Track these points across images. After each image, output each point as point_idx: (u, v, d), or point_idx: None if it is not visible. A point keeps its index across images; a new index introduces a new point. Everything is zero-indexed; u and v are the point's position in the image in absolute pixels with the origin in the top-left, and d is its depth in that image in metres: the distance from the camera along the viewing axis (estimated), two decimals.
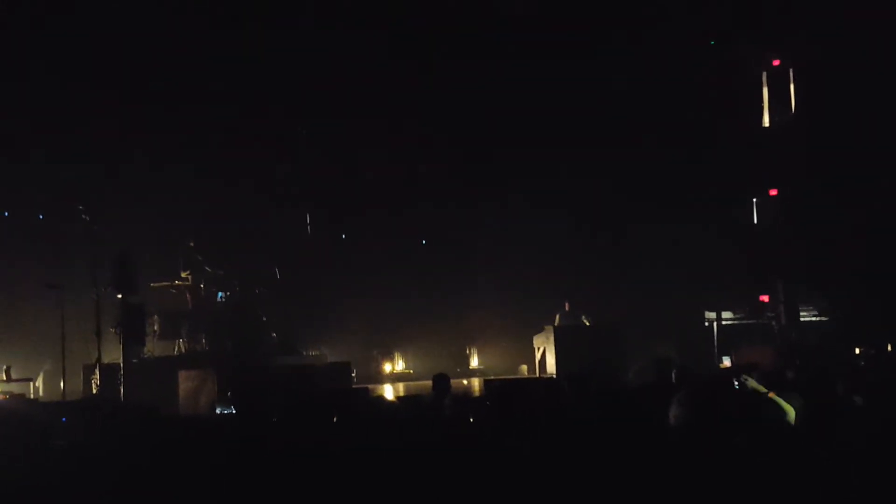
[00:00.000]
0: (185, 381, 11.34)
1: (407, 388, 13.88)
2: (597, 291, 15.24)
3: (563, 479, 4.04)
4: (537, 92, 15.27)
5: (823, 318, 14.87)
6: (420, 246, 17.24)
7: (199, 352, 13.79)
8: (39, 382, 13.38)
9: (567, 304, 14.78)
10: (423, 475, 4.26)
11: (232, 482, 4.43)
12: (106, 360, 12.04)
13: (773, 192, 15.45)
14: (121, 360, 11.88)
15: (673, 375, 7.80)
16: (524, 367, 15.46)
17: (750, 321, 14.93)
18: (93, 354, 11.88)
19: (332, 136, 16.12)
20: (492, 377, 13.68)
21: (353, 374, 13.33)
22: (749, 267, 15.13)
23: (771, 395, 5.67)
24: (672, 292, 14.90)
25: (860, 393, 5.71)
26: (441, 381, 8.09)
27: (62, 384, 12.01)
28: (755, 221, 15.76)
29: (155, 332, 13.74)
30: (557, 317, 14.67)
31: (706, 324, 14.83)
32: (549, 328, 14.22)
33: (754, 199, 15.73)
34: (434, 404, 7.57)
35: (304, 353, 14.55)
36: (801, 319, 14.97)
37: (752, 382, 6.13)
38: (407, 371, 16.25)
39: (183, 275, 14.32)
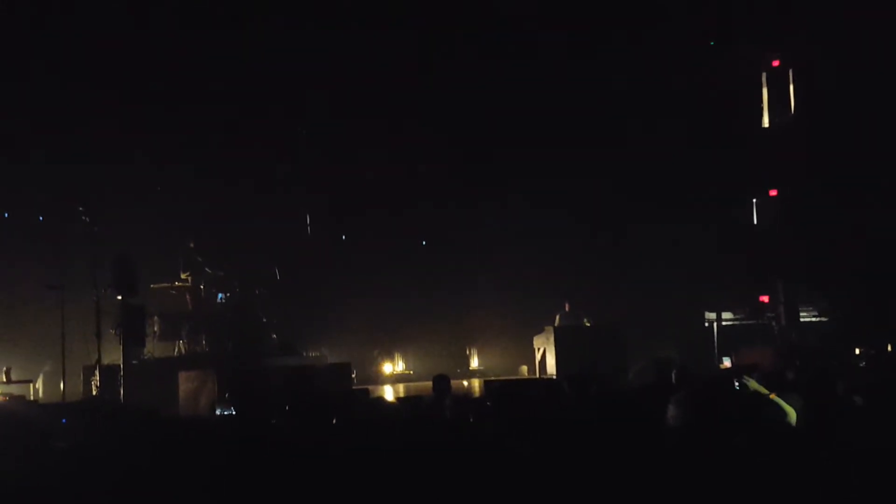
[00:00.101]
0: (186, 383, 11.33)
1: (407, 389, 13.88)
2: (597, 291, 15.24)
3: (564, 480, 4.04)
4: (537, 92, 15.27)
5: (823, 319, 14.88)
6: (420, 246, 17.24)
7: (199, 353, 13.79)
8: (39, 384, 13.37)
9: (567, 305, 14.78)
10: (424, 477, 4.26)
11: (232, 483, 4.42)
12: (106, 361, 12.01)
13: (773, 193, 15.45)
14: (121, 362, 11.86)
15: (673, 376, 7.80)
16: (524, 368, 15.46)
17: (750, 322, 14.94)
18: (93, 356, 11.86)
19: (332, 136, 16.10)
20: (492, 378, 13.68)
21: (353, 375, 13.33)
22: (749, 267, 15.13)
23: (772, 396, 5.67)
24: (672, 292, 14.91)
25: (860, 393, 5.71)
26: (441, 382, 8.09)
27: (62, 385, 11.99)
28: (755, 222, 15.77)
29: (155, 333, 13.73)
30: (557, 317, 14.67)
31: (706, 324, 14.84)
32: (550, 329, 14.22)
33: (754, 200, 15.73)
34: (434, 405, 7.57)
35: (305, 354, 14.55)
36: (801, 320, 14.98)
37: (753, 384, 6.13)
38: (407, 372, 16.25)
39: (183, 276, 14.32)
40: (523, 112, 15.37)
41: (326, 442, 5.28)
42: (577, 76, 15.10)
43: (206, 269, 14.27)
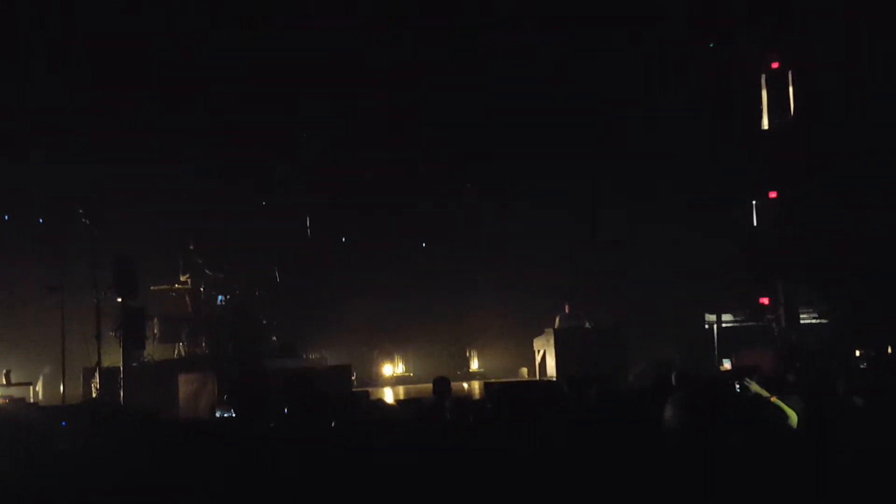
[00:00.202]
0: (185, 385, 11.32)
1: (407, 391, 13.88)
2: (597, 292, 15.25)
3: (564, 481, 4.04)
4: (538, 92, 15.27)
5: (823, 321, 14.88)
6: (420, 246, 17.25)
7: (199, 355, 13.77)
8: (39, 386, 13.37)
9: (567, 307, 14.76)
10: (424, 479, 4.26)
11: (232, 486, 4.42)
12: (106, 363, 11.99)
13: (773, 195, 15.45)
14: (121, 364, 11.84)
15: (673, 378, 7.79)
16: (524, 370, 15.44)
17: (750, 324, 14.94)
18: (93, 358, 11.84)
19: (332, 136, 16.11)
20: (492, 380, 13.68)
21: (353, 377, 13.33)
22: (749, 268, 15.13)
23: (773, 399, 5.66)
24: (672, 293, 14.91)
25: (860, 394, 5.71)
26: (441, 384, 8.08)
27: (62, 388, 11.98)
28: (755, 223, 15.77)
29: (155, 335, 13.71)
30: (557, 319, 14.65)
31: (706, 326, 14.84)
32: (550, 331, 14.19)
33: (754, 202, 15.73)
34: (434, 407, 7.56)
35: (305, 356, 14.54)
36: (801, 322, 14.98)
37: (754, 386, 6.12)
38: (407, 374, 16.25)
39: (183, 278, 14.30)
40: (523, 112, 15.37)
41: (326, 444, 5.27)
42: (577, 76, 15.10)
43: (206, 271, 14.25)
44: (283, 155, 16.11)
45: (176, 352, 14.15)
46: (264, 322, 14.35)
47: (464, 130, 15.82)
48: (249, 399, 6.26)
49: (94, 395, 12.06)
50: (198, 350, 13.95)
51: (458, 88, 15.36)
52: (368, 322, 15.93)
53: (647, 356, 12.32)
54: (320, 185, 16.21)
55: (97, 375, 11.95)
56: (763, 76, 15.74)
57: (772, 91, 15.69)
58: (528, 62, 15.12)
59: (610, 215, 15.73)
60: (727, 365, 13.27)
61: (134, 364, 12.66)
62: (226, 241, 14.73)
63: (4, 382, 12.34)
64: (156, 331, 13.74)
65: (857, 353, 12.47)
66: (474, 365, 16.65)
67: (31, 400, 12.22)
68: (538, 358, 14.50)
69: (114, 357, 12.07)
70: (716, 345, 14.38)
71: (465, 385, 14.44)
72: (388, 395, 13.57)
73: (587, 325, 14.50)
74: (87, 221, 11.99)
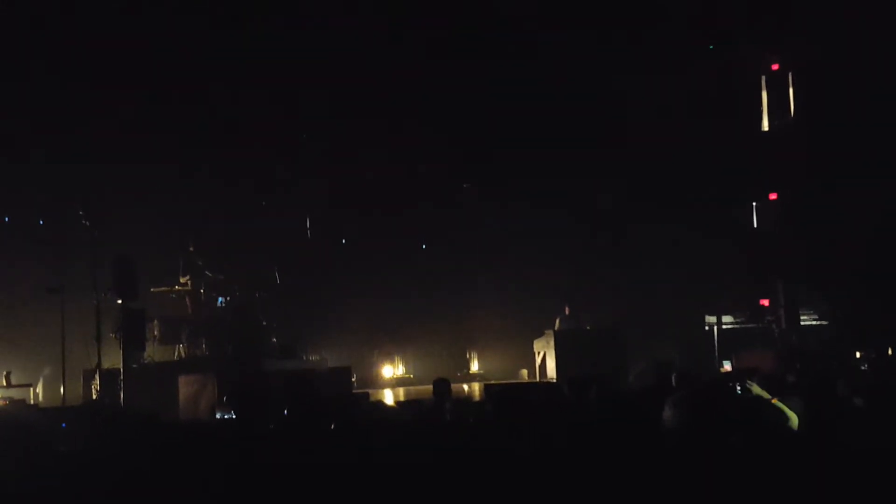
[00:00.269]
0: (186, 386, 11.32)
1: (407, 393, 13.88)
2: (597, 292, 15.25)
3: (564, 483, 4.04)
4: (538, 92, 15.27)
5: (824, 322, 14.87)
6: (420, 246, 17.25)
7: (200, 357, 13.76)
8: (39, 388, 13.35)
9: (567, 308, 14.77)
10: (424, 480, 4.26)
11: (232, 487, 4.42)
12: (106, 365, 11.96)
13: (773, 196, 15.45)
14: (121, 365, 11.82)
15: (673, 378, 7.79)
16: (524, 372, 15.43)
17: (750, 325, 14.93)
18: (93, 359, 11.81)
19: (332, 136, 16.11)
20: (492, 382, 13.68)
21: (353, 379, 13.32)
22: (749, 269, 15.13)
23: (774, 400, 5.65)
24: (672, 294, 14.90)
25: (861, 395, 5.71)
26: (441, 385, 8.09)
27: (62, 389, 11.97)
28: (755, 224, 15.77)
29: (155, 336, 13.70)
30: (557, 320, 14.65)
31: (706, 328, 14.83)
32: (550, 332, 14.18)
33: (754, 203, 15.73)
34: (434, 409, 7.56)
35: (305, 357, 14.54)
36: (802, 323, 14.97)
37: (755, 388, 6.10)
38: (407, 375, 16.25)
39: (183, 280, 14.29)
40: (523, 112, 15.37)
41: (326, 446, 5.27)
42: (577, 76, 15.10)
43: (207, 272, 14.24)
44: (283, 155, 16.10)
45: (176, 353, 14.15)
46: (264, 323, 14.35)
47: (464, 130, 15.82)
48: (249, 400, 6.25)
49: (94, 396, 12.04)
50: (198, 352, 13.94)
51: (458, 88, 15.36)
52: (368, 323, 15.93)
53: (647, 357, 12.33)
54: (320, 185, 16.21)
55: (97, 377, 11.93)
56: (763, 77, 15.75)
57: (772, 92, 15.70)
58: (528, 62, 15.12)
59: (610, 215, 15.72)
60: (727, 366, 13.27)
61: (134, 365, 12.65)
62: (226, 241, 14.73)
63: (5, 384, 12.34)
64: (156, 332, 13.73)
65: (858, 354, 12.46)
66: (474, 366, 16.64)
67: (32, 401, 12.21)
68: (538, 360, 14.50)
69: (114, 358, 12.05)
70: (716, 346, 14.38)
71: (466, 387, 14.44)
72: (388, 397, 13.56)
73: (587, 326, 14.50)
74: (87, 222, 11.97)
